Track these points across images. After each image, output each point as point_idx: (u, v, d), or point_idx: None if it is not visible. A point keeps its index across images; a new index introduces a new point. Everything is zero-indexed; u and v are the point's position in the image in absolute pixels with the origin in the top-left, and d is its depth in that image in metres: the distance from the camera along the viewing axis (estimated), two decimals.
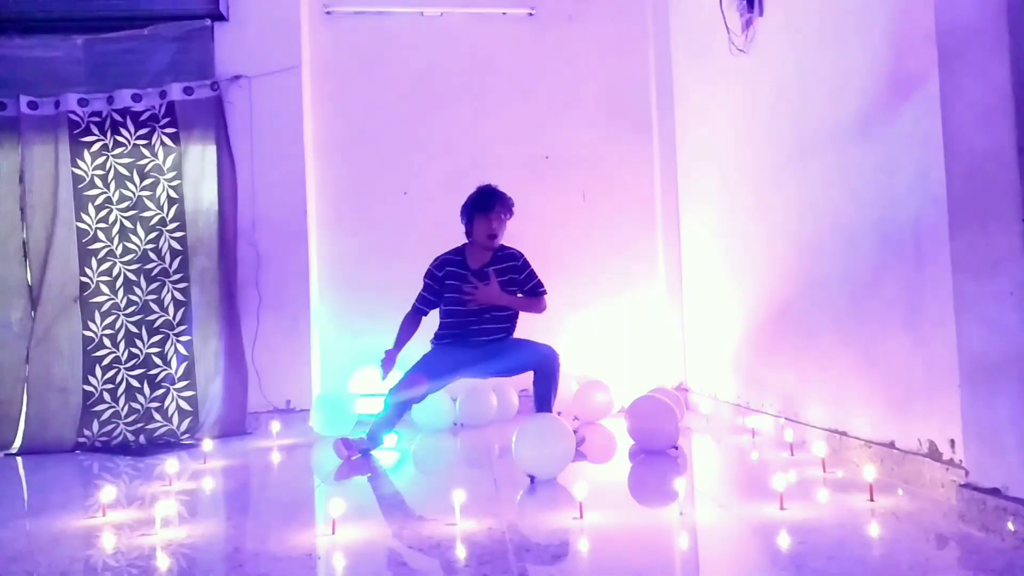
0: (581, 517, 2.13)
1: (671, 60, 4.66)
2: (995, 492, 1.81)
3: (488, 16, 4.67)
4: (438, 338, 3.48)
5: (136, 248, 4.17)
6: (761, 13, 3.37)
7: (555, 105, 4.69)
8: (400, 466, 3.21)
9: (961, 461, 2.07)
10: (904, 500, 2.20)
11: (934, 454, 2.26)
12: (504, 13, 4.67)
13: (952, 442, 2.17)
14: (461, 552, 1.90)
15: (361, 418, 4.21)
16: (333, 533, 2.06)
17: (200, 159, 4.22)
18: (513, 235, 4.66)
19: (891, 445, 2.48)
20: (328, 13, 4.57)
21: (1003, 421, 1.79)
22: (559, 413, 3.77)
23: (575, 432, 3.22)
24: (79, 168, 4.16)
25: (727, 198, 3.91)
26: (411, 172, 4.60)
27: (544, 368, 3.29)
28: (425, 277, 3.51)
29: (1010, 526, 1.75)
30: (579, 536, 2.00)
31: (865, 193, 2.61)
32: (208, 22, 4.28)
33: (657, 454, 3.12)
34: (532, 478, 2.63)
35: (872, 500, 2.19)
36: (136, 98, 4.21)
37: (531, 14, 4.69)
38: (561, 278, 4.58)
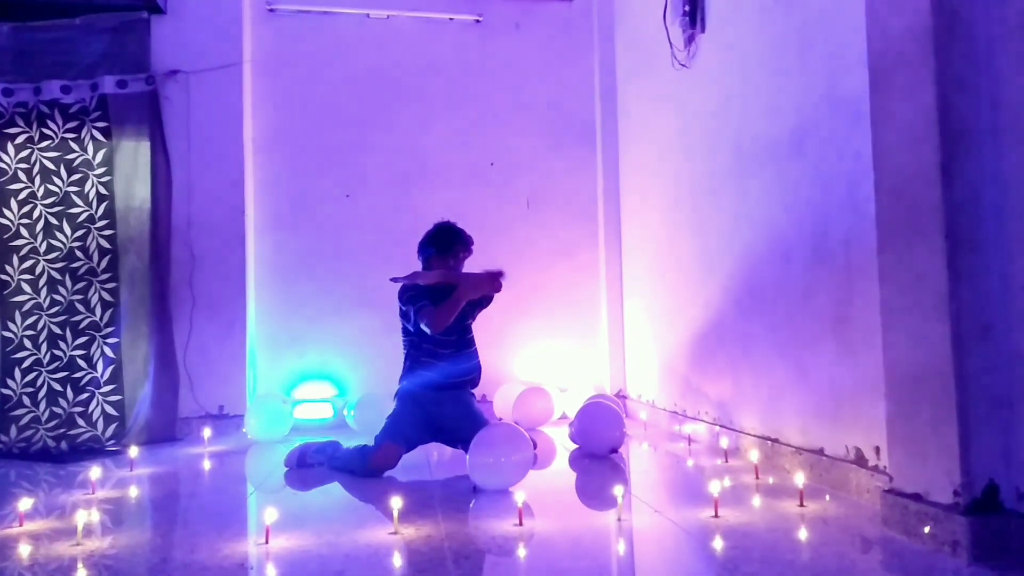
0: (521, 524, 2.13)
1: (616, 71, 4.74)
2: (916, 497, 1.89)
3: (435, 21, 4.66)
4: (411, 386, 3.11)
5: (62, 246, 4.00)
6: (703, 30, 3.46)
7: (501, 112, 4.71)
8: (337, 473, 3.15)
9: (885, 467, 2.15)
10: (832, 505, 2.28)
11: (860, 461, 2.34)
12: (451, 19, 4.67)
13: (877, 449, 2.26)
14: (398, 560, 1.88)
15: (298, 423, 4.13)
16: (266, 542, 2.01)
17: (133, 155, 4.07)
18: None
19: (820, 452, 2.56)
20: (271, 10, 4.48)
21: (924, 429, 1.87)
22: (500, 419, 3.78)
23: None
24: (1, 161, 3.98)
25: (667, 209, 3.98)
26: (354, 175, 4.54)
27: None
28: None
29: (927, 530, 1.82)
30: (518, 543, 2.00)
31: (799, 208, 2.70)
32: (144, 14, 4.15)
33: (597, 460, 3.15)
34: (475, 488, 2.61)
35: (802, 505, 2.26)
36: (65, 90, 4.05)
37: (478, 21, 4.69)
38: (504, 285, 4.59)
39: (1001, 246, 1.76)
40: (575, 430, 3.35)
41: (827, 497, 2.37)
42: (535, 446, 3.37)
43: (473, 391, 3.24)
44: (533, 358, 4.60)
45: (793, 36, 2.72)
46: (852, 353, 2.39)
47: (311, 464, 3.11)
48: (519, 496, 2.20)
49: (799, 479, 2.37)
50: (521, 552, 1.94)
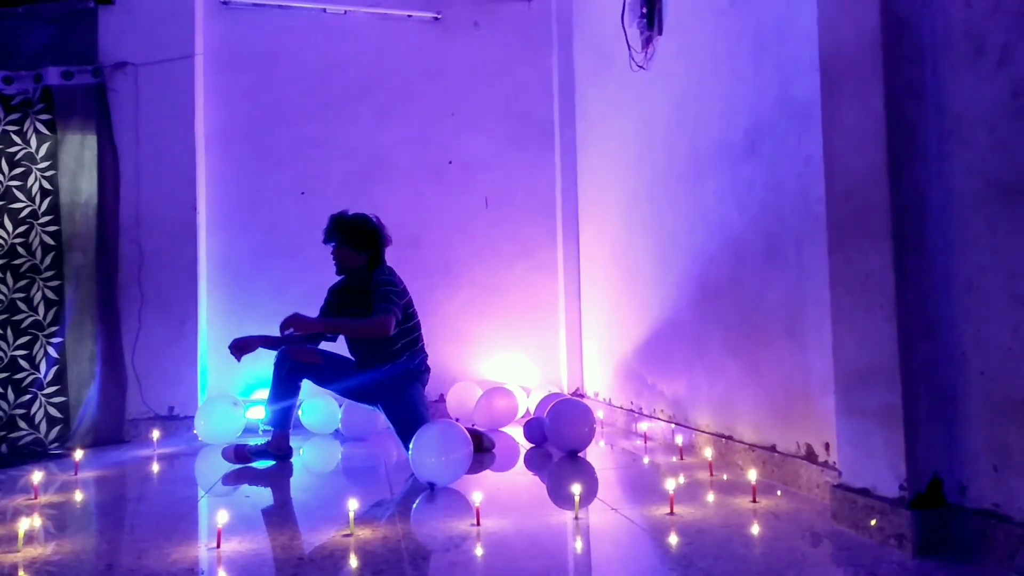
0: (478, 523, 2.13)
1: (574, 72, 4.76)
2: (864, 492, 1.94)
3: (393, 17, 4.62)
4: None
5: (3, 242, 3.85)
6: (660, 32, 3.50)
7: (459, 110, 4.69)
8: (291, 474, 3.11)
9: (835, 463, 2.20)
10: (783, 501, 2.32)
11: (811, 457, 2.40)
12: (409, 16, 4.64)
13: (827, 445, 2.31)
14: (355, 562, 1.85)
15: (250, 423, 4.05)
16: (218, 546, 1.97)
17: (78, 149, 3.95)
18: (416, 241, 4.61)
19: (772, 448, 2.61)
20: (225, 3, 4.39)
21: (872, 426, 1.92)
22: (457, 419, 3.76)
23: (482, 436, 3.29)
24: None
25: (624, 209, 4.02)
26: (310, 171, 4.48)
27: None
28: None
29: (874, 523, 1.87)
30: (476, 542, 2.00)
31: (753, 209, 2.75)
32: (92, 3, 4.03)
33: (554, 459, 3.16)
34: (432, 485, 2.60)
35: (755, 501, 2.30)
36: (7, 81, 3.91)
37: (437, 18, 4.67)
38: (462, 284, 4.59)
39: (945, 247, 1.82)
40: (546, 427, 3.32)
41: (779, 492, 2.42)
42: (493, 445, 3.38)
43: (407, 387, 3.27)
44: (489, 357, 4.60)
45: (748, 40, 2.77)
46: (803, 351, 2.44)
47: (252, 454, 3.16)
48: (476, 496, 2.20)
49: (752, 475, 2.41)
50: (478, 551, 1.94)
